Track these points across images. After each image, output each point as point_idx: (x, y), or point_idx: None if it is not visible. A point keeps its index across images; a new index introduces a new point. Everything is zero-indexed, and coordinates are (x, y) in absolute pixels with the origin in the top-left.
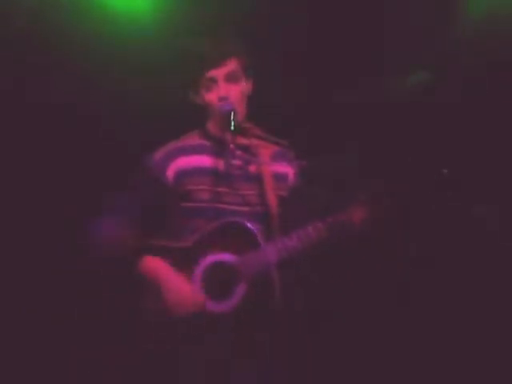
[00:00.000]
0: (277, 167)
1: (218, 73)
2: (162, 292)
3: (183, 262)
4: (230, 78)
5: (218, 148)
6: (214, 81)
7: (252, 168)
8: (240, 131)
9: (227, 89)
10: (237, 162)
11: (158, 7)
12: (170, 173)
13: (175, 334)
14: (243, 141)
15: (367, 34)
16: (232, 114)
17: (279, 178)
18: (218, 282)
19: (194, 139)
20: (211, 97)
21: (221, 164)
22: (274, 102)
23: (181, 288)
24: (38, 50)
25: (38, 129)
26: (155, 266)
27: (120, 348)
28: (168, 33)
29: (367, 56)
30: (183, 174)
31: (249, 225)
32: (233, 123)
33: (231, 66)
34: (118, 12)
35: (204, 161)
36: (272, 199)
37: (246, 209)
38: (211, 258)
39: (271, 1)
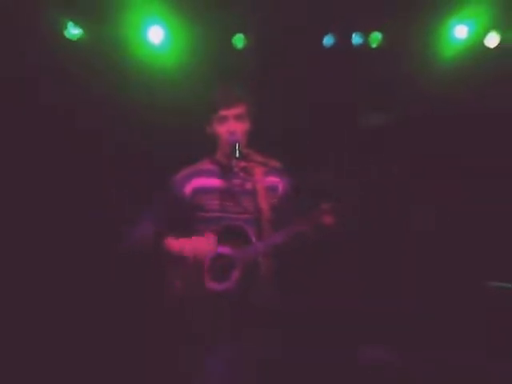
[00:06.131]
0: (269, 181)
1: (230, 113)
2: (182, 251)
3: None
4: (238, 118)
5: (224, 171)
6: (225, 118)
7: (249, 185)
8: (242, 157)
9: (235, 126)
10: (238, 181)
11: (183, 63)
12: (188, 190)
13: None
14: (243, 164)
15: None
16: (237, 144)
17: (270, 189)
18: (220, 268)
19: (205, 165)
20: (222, 130)
21: (226, 183)
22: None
23: (195, 240)
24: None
25: (85, 153)
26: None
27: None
28: (191, 80)
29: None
30: (198, 192)
31: (243, 226)
32: (238, 152)
33: (240, 108)
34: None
35: (214, 182)
36: (264, 208)
37: (245, 216)
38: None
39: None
